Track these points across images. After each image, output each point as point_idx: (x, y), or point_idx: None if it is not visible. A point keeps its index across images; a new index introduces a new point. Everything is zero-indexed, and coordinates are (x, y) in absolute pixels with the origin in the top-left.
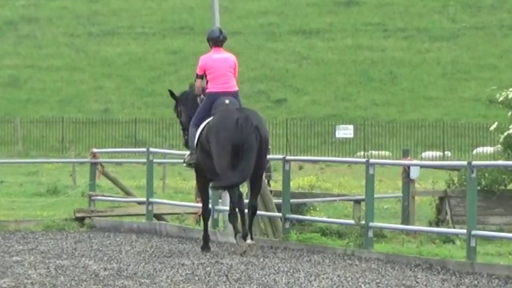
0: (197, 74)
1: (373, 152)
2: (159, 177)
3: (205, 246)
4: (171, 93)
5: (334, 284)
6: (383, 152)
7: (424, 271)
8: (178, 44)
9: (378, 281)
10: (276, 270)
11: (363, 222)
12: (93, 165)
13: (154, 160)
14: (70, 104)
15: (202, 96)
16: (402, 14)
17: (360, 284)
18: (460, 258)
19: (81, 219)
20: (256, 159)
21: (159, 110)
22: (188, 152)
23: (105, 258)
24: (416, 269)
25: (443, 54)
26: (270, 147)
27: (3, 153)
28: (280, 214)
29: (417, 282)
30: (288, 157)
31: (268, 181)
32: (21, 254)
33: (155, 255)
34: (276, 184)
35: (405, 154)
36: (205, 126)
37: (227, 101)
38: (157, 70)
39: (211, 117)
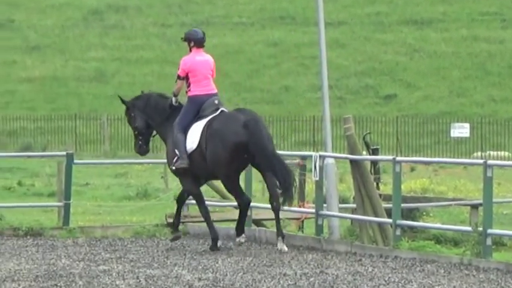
0: (179, 76)
1: (492, 153)
2: (258, 179)
3: (176, 230)
4: (121, 100)
5: None
6: (502, 153)
7: None
8: (278, 35)
9: None
10: (386, 281)
11: (481, 229)
12: None
13: None
14: None
15: (178, 98)
16: None
17: None
18: None
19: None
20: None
21: (258, 107)
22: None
23: (200, 267)
24: None
25: None
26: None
27: (89, 153)
28: (390, 220)
29: None
30: (398, 158)
31: (378, 184)
32: (108, 262)
33: (254, 264)
34: (386, 187)
35: None
36: (206, 129)
37: (216, 101)
38: (255, 63)
39: (211, 118)
